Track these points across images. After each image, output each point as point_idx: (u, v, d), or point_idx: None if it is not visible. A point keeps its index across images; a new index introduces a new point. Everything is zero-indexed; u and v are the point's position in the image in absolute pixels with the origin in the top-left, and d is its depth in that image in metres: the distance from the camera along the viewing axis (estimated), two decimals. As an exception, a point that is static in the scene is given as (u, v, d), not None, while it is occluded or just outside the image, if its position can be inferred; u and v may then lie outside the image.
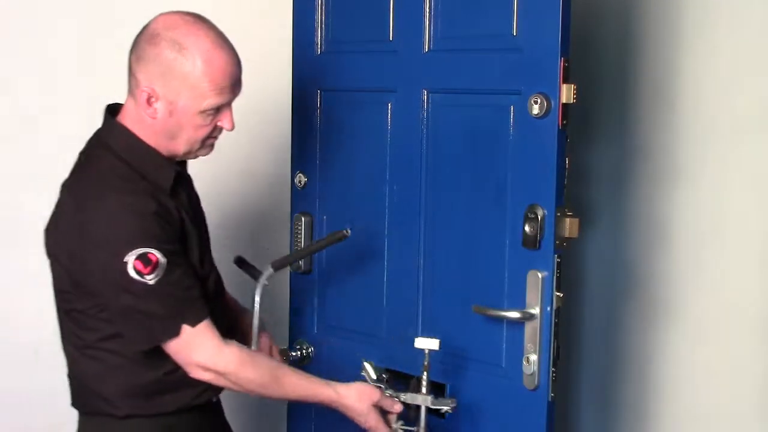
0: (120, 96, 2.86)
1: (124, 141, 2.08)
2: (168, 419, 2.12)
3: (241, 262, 2.42)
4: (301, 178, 2.69)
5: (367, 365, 2.27)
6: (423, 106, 2.39)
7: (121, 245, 1.96)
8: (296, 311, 2.71)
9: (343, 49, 2.59)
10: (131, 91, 2.10)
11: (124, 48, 2.88)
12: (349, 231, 2.29)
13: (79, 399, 2.18)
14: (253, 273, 2.37)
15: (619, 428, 2.92)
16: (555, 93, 2.12)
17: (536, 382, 2.18)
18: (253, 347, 2.28)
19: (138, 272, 1.96)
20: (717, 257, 2.66)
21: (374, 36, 2.50)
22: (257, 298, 2.29)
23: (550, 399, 2.18)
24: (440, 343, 2.19)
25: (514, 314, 2.19)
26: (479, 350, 2.30)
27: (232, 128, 2.11)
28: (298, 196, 2.71)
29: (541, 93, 2.13)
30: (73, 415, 2.91)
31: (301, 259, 2.39)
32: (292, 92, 2.68)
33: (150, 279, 1.96)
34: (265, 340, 2.38)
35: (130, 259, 1.95)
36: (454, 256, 2.35)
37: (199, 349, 2.04)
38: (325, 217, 2.65)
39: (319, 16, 2.63)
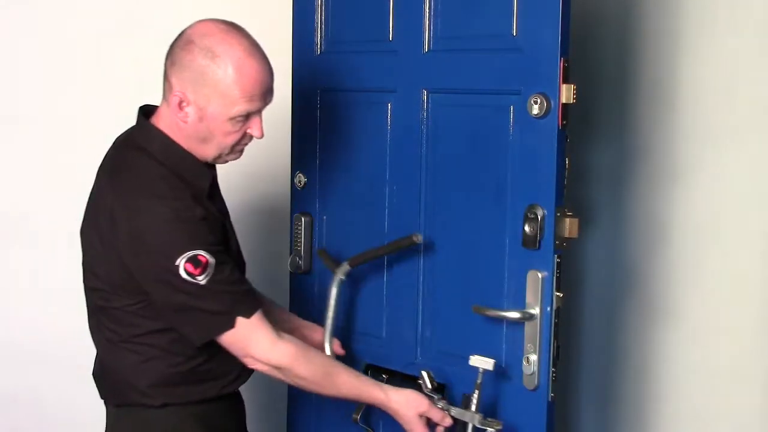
0: (117, 95, 2.87)
1: (159, 144, 2.13)
2: (201, 407, 2.19)
3: (323, 254, 2.53)
4: (301, 178, 2.69)
5: (424, 374, 2.27)
6: (423, 106, 2.39)
7: (174, 250, 2.03)
8: (296, 311, 2.70)
9: (343, 49, 2.59)
10: (165, 95, 2.15)
11: (124, 48, 2.89)
12: (420, 237, 2.32)
13: (111, 392, 2.23)
14: (332, 266, 2.46)
15: (619, 428, 2.92)
16: (555, 93, 2.12)
17: (536, 382, 2.18)
18: (327, 339, 2.39)
19: (189, 274, 2.03)
20: (717, 257, 2.66)
21: (374, 36, 2.50)
22: (335, 292, 2.41)
23: (550, 399, 2.18)
24: (495, 363, 2.18)
25: (514, 314, 2.19)
26: (479, 350, 2.30)
27: (261, 136, 2.16)
28: (297, 196, 2.71)
29: (540, 93, 2.13)
30: (72, 415, 2.92)
31: (374, 259, 2.43)
32: (292, 92, 2.68)
33: (201, 279, 2.04)
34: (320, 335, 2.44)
35: (181, 262, 2.03)
36: (454, 256, 2.35)
37: (254, 343, 2.12)
38: (325, 217, 2.65)
39: (319, 16, 2.63)
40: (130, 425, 2.21)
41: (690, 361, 2.73)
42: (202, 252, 2.04)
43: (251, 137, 2.17)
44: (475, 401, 2.18)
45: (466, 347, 2.33)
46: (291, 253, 2.70)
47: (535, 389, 2.18)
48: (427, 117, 2.39)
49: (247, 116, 2.11)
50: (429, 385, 2.27)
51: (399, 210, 2.45)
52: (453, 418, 2.23)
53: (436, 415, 2.22)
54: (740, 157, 2.60)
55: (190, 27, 2.13)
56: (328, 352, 2.41)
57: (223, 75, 2.06)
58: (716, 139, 2.64)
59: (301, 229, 2.69)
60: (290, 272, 2.72)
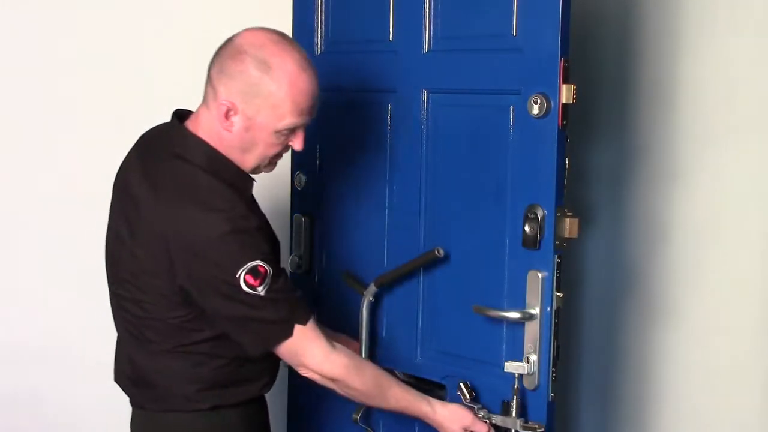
0: (117, 95, 2.87)
1: (201, 152, 2.12)
2: (245, 408, 2.23)
3: (349, 277, 2.55)
4: (301, 178, 2.69)
5: (462, 385, 2.28)
6: (423, 106, 2.39)
7: (234, 263, 2.04)
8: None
9: (343, 49, 2.59)
10: (207, 102, 2.14)
11: (124, 47, 2.89)
12: (441, 251, 2.32)
13: (152, 399, 2.22)
14: (359, 289, 2.50)
15: (619, 428, 2.92)
16: (555, 93, 2.12)
17: (536, 382, 2.18)
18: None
19: (250, 285, 2.05)
20: (717, 257, 2.66)
21: (374, 36, 2.50)
22: (365, 313, 2.46)
23: (550, 399, 2.18)
24: (527, 366, 2.18)
25: (514, 314, 2.19)
26: (479, 350, 2.30)
27: (302, 149, 2.18)
28: (297, 196, 2.71)
29: (541, 93, 2.13)
30: (72, 415, 2.92)
31: (400, 277, 2.44)
32: (292, 92, 2.68)
33: (261, 290, 2.06)
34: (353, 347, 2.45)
35: (242, 274, 2.04)
36: (454, 256, 2.35)
37: (309, 354, 2.15)
38: (325, 217, 2.65)
39: (319, 16, 2.63)
40: (176, 430, 2.22)
41: (690, 361, 2.73)
42: (260, 262, 2.05)
43: (288, 149, 2.19)
44: (515, 406, 2.19)
45: (466, 347, 2.34)
46: (291, 253, 2.70)
47: (535, 389, 2.18)
48: (427, 117, 2.39)
49: (292, 129, 2.13)
50: (468, 396, 2.27)
51: (399, 210, 2.45)
52: (494, 425, 2.24)
53: (481, 428, 2.24)
54: (740, 157, 2.60)
55: (239, 36, 2.12)
56: None
57: (277, 88, 2.07)
58: (716, 139, 2.64)
59: (301, 229, 2.69)
60: (290, 272, 2.72)
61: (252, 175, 2.20)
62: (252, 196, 2.20)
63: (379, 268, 2.49)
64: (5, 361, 2.84)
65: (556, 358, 2.17)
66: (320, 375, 2.17)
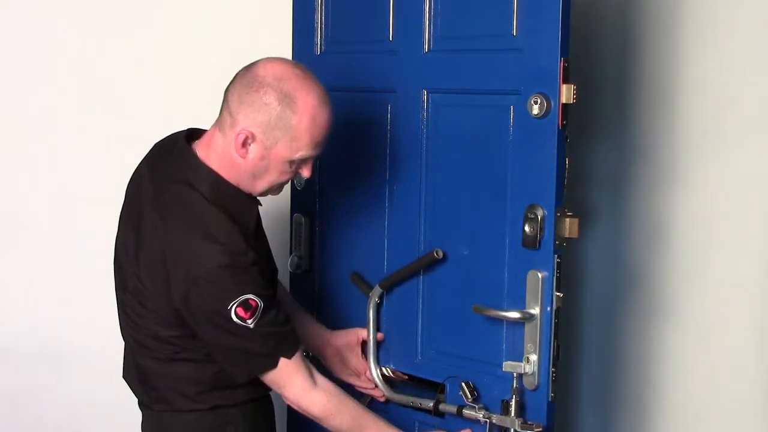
0: (117, 96, 2.87)
1: (210, 183, 2.16)
2: (246, 407, 2.27)
3: (356, 278, 2.56)
4: (301, 179, 2.68)
5: (464, 386, 2.29)
6: (423, 106, 2.39)
7: (227, 296, 2.09)
8: (296, 311, 2.71)
9: (343, 49, 2.59)
10: (223, 128, 2.16)
11: (123, 49, 2.89)
12: (441, 253, 2.34)
13: (156, 400, 2.27)
14: (365, 290, 2.51)
15: (619, 428, 2.92)
16: (555, 93, 2.12)
17: (536, 382, 2.18)
18: (372, 363, 2.48)
19: (240, 317, 2.10)
20: (717, 257, 2.66)
21: (374, 36, 2.50)
22: (371, 315, 2.47)
23: (550, 399, 2.18)
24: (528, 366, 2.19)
25: (514, 314, 2.19)
26: (479, 350, 2.30)
27: (310, 176, 2.24)
28: (297, 196, 2.71)
29: (541, 93, 2.13)
30: (72, 415, 2.92)
31: (404, 279, 2.45)
32: (292, 92, 2.68)
33: (250, 322, 2.11)
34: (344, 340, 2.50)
35: (233, 306, 2.09)
36: (454, 256, 2.35)
37: (289, 387, 2.20)
38: (324, 217, 2.65)
39: (319, 16, 2.63)
40: (165, 428, 2.28)
41: (690, 360, 2.73)
42: (252, 296, 2.10)
43: (296, 175, 2.23)
44: (513, 406, 2.19)
45: (466, 347, 2.34)
46: (291, 253, 2.70)
47: (535, 389, 2.18)
48: (427, 117, 2.39)
49: (305, 159, 2.17)
50: (470, 396, 2.28)
51: (399, 210, 2.45)
52: (494, 424, 2.24)
53: None
54: (740, 158, 2.60)
55: (260, 67, 2.13)
56: (374, 374, 2.47)
57: (298, 122, 2.10)
58: (716, 139, 2.64)
59: (301, 229, 2.69)
60: (290, 272, 2.72)
61: (257, 200, 2.25)
62: (258, 219, 2.25)
63: (379, 267, 2.49)
64: (5, 361, 2.84)
65: (556, 358, 2.17)
66: (299, 408, 2.23)
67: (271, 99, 2.10)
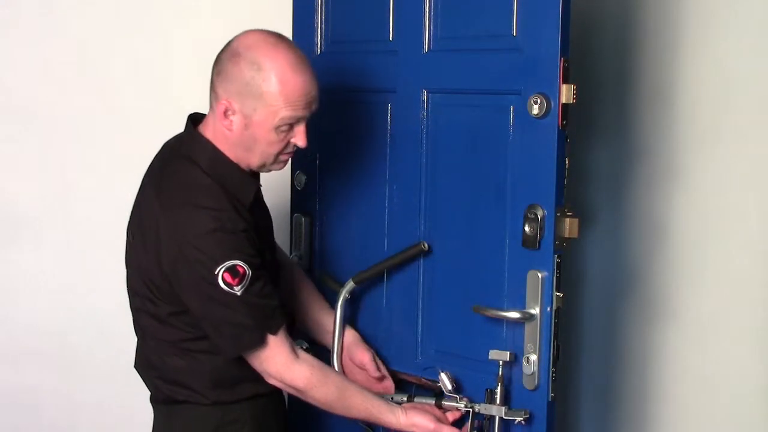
0: (118, 96, 2.88)
1: (207, 155, 2.19)
2: (244, 404, 2.27)
3: (325, 276, 2.57)
4: (301, 178, 2.69)
5: (443, 376, 2.28)
6: (423, 106, 2.39)
7: (214, 261, 2.09)
8: (296, 311, 2.71)
9: (343, 49, 2.59)
10: (211, 104, 2.20)
11: (125, 47, 2.89)
12: (426, 245, 2.34)
13: (161, 391, 2.28)
14: (335, 287, 2.50)
15: (619, 428, 2.92)
16: (555, 93, 2.12)
17: (536, 382, 2.18)
18: (334, 357, 2.44)
19: (227, 284, 2.10)
20: (717, 257, 2.66)
21: (374, 36, 2.50)
22: (339, 311, 2.44)
23: (550, 399, 2.18)
24: (511, 354, 2.19)
25: (514, 314, 2.19)
26: (479, 350, 2.30)
27: (305, 145, 2.21)
28: (297, 196, 2.71)
29: (541, 93, 2.13)
30: (72, 415, 2.92)
31: (380, 274, 2.46)
32: (292, 92, 2.68)
33: (238, 290, 2.11)
34: (365, 356, 2.45)
35: (220, 271, 2.09)
36: (454, 256, 2.35)
37: (272, 362, 2.19)
38: (324, 217, 2.65)
39: (319, 16, 2.63)
40: (182, 422, 2.27)
41: (690, 360, 2.73)
42: (240, 262, 2.10)
43: (294, 147, 2.22)
44: (498, 394, 2.20)
45: (466, 347, 2.34)
46: (291, 253, 2.70)
47: (535, 389, 2.18)
48: (427, 117, 2.39)
49: (291, 126, 2.17)
50: (449, 386, 2.28)
51: (399, 210, 2.45)
52: (479, 414, 2.24)
53: (447, 431, 2.26)
54: (740, 158, 2.60)
55: (236, 38, 2.17)
56: (336, 368, 2.44)
57: (267, 87, 2.11)
58: (716, 139, 2.64)
59: (301, 229, 2.69)
60: (290, 272, 2.72)
61: (258, 178, 2.25)
62: (260, 200, 2.26)
63: (379, 267, 2.50)
64: (5, 361, 2.84)
65: (556, 358, 2.17)
66: (282, 383, 2.22)
67: (241, 68, 2.12)
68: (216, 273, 2.08)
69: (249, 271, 2.11)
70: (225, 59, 2.16)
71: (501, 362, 2.19)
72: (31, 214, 2.85)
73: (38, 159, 2.84)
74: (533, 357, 2.17)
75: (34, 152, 2.84)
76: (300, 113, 2.16)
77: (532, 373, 2.18)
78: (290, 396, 2.71)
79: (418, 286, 2.42)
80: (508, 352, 2.18)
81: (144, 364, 2.31)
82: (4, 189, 2.82)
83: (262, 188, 2.29)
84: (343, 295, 2.45)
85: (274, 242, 2.41)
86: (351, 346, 2.47)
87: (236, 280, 2.09)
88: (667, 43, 2.71)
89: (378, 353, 2.49)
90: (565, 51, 2.11)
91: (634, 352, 2.86)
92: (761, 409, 2.59)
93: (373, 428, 2.49)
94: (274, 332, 2.17)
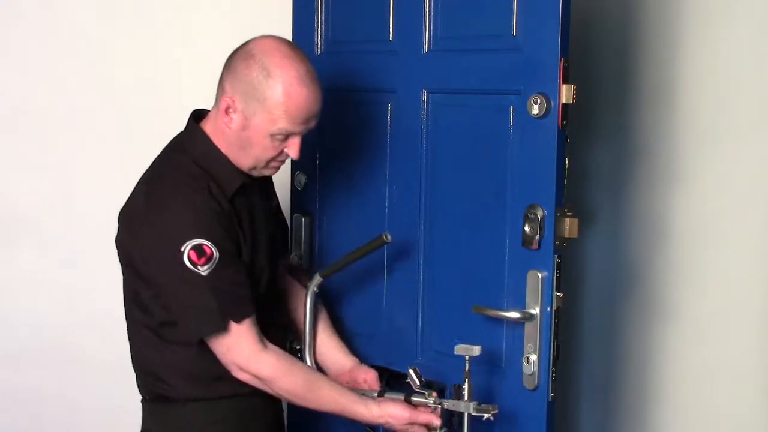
0: (118, 96, 2.88)
1: (201, 147, 2.22)
2: (227, 402, 2.24)
3: (293, 269, 2.56)
4: (301, 178, 2.69)
5: (411, 372, 2.27)
6: (423, 106, 2.39)
7: (180, 236, 2.10)
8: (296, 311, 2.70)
9: (343, 49, 2.59)
10: (216, 98, 2.23)
11: (126, 47, 2.89)
12: (389, 236, 2.34)
13: (143, 385, 2.30)
14: (303, 281, 2.50)
15: (619, 428, 2.92)
16: (555, 93, 2.12)
17: (536, 382, 2.18)
18: (306, 354, 2.43)
19: (192, 262, 2.10)
20: (717, 257, 2.66)
21: (374, 36, 2.50)
22: (309, 305, 2.43)
23: (550, 399, 2.18)
24: (481, 348, 2.18)
25: (514, 314, 2.19)
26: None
27: (297, 158, 2.24)
28: (297, 196, 2.71)
29: (541, 93, 2.13)
30: (72, 414, 2.92)
31: (346, 266, 2.45)
32: (292, 92, 2.68)
33: (203, 270, 2.10)
34: (368, 374, 2.43)
35: (186, 249, 2.09)
36: (454, 256, 2.35)
37: (237, 350, 2.17)
38: (324, 217, 2.65)
39: (319, 16, 2.64)
40: (161, 419, 2.27)
41: (690, 360, 2.74)
42: (207, 243, 2.10)
43: (287, 156, 2.24)
44: (466, 390, 2.18)
45: (466, 347, 2.34)
46: (291, 253, 2.70)
47: (535, 389, 2.18)
48: (427, 117, 2.39)
49: (286, 136, 2.18)
50: (417, 382, 2.27)
51: (399, 210, 2.45)
52: (448, 410, 2.22)
53: (423, 418, 2.24)
54: (740, 158, 2.60)
55: (254, 40, 2.20)
56: (309, 364, 2.43)
57: (272, 95, 2.14)
58: (716, 139, 2.64)
59: (301, 229, 2.69)
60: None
61: (248, 178, 2.25)
62: (235, 196, 2.22)
63: (379, 267, 2.49)
64: (5, 361, 2.85)
65: (556, 358, 2.17)
66: (248, 373, 2.18)
67: (252, 70, 2.15)
68: (182, 250, 2.09)
69: (216, 254, 2.11)
70: (239, 58, 2.18)
71: (467, 357, 2.17)
72: (31, 214, 2.85)
73: (38, 159, 2.84)
74: (533, 357, 2.17)
75: (34, 152, 2.84)
76: (297, 128, 2.18)
77: (532, 373, 2.18)
78: (289, 409, 2.71)
79: (418, 286, 2.42)
80: (476, 347, 2.16)
81: (132, 359, 2.31)
82: (4, 189, 2.83)
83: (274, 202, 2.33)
84: (312, 288, 2.44)
85: (277, 254, 2.40)
86: (353, 370, 2.46)
87: (202, 259, 2.09)
88: (667, 43, 2.71)
89: (378, 353, 2.49)
90: (565, 51, 2.11)
91: (634, 352, 2.86)
92: (761, 408, 2.60)
93: (373, 429, 2.49)
94: (238, 320, 2.14)
